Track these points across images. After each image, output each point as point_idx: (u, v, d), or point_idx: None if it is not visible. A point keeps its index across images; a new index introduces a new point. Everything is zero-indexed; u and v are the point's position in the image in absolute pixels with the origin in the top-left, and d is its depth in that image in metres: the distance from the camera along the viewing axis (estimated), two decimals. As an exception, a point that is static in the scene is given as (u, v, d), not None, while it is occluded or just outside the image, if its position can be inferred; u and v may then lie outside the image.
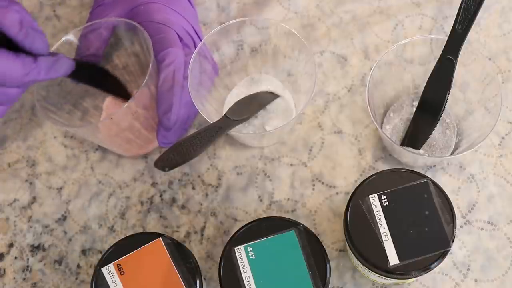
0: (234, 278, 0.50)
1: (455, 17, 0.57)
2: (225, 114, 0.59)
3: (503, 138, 0.62)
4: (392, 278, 0.51)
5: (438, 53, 0.58)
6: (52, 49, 0.59)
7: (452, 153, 0.60)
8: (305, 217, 0.60)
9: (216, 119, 0.58)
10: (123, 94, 0.63)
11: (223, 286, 0.50)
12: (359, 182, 0.53)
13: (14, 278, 0.60)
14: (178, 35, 0.61)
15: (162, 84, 0.58)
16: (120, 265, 0.51)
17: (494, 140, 0.62)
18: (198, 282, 0.51)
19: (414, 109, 0.61)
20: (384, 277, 0.51)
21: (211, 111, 0.62)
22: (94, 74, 0.61)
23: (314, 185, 0.62)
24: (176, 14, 0.62)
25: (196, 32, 0.63)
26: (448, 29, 0.60)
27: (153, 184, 0.63)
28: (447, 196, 0.51)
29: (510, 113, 0.63)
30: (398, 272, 0.49)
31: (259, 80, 0.65)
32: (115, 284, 0.50)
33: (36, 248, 0.61)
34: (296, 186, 0.62)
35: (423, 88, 0.60)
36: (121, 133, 0.60)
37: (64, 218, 0.62)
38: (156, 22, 0.61)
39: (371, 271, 0.51)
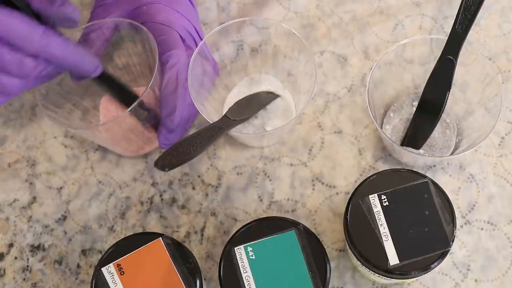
0: (234, 278, 0.50)
1: (455, 17, 0.57)
2: (225, 114, 0.59)
3: (503, 138, 0.62)
4: (392, 278, 0.51)
5: (438, 53, 0.58)
6: None
7: (452, 153, 0.60)
8: (305, 217, 0.60)
9: (216, 119, 0.58)
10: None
11: (223, 286, 0.50)
12: (359, 182, 0.53)
13: (14, 278, 0.60)
14: (180, 36, 0.61)
15: (166, 86, 0.58)
16: (120, 265, 0.51)
17: (494, 140, 0.62)
18: (198, 282, 0.51)
19: (414, 109, 0.61)
20: (384, 277, 0.51)
21: (211, 111, 0.62)
22: (114, 85, 0.58)
23: (314, 185, 0.61)
24: (178, 14, 0.62)
25: (197, 33, 0.63)
26: (448, 29, 0.60)
27: (153, 184, 0.63)
28: (447, 196, 0.51)
29: (510, 113, 0.63)
30: (398, 272, 0.49)
31: (259, 80, 0.65)
32: (115, 284, 0.50)
33: (36, 248, 0.61)
34: (296, 186, 0.62)
35: (423, 88, 0.60)
36: (123, 134, 0.60)
37: (64, 218, 0.62)
38: (159, 23, 0.60)
39: (371, 271, 0.51)
